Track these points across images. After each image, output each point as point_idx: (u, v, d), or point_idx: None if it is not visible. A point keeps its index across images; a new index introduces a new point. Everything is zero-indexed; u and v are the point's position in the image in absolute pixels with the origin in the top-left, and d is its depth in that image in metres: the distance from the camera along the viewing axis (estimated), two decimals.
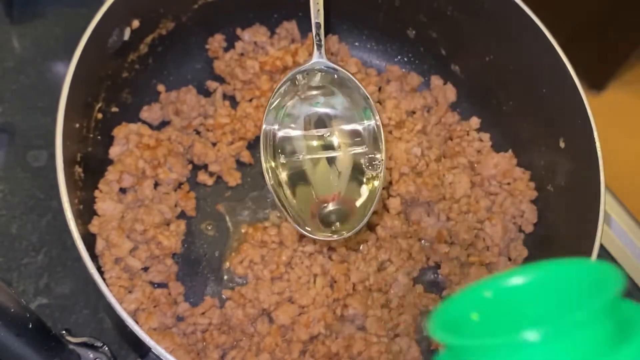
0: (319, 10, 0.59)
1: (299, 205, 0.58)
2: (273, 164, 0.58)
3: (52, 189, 0.54)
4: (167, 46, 0.68)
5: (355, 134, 0.60)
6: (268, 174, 0.58)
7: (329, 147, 0.60)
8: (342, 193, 0.59)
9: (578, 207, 0.61)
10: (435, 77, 0.75)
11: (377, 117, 0.59)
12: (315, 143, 0.60)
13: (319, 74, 0.60)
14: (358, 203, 0.59)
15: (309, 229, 0.57)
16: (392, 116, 0.70)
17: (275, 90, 0.59)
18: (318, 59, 0.60)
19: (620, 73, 1.38)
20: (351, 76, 0.60)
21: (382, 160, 0.59)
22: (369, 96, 0.59)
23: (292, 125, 0.60)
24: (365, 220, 0.57)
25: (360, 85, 0.59)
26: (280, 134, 0.59)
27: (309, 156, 0.60)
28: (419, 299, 0.64)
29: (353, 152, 0.60)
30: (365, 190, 0.59)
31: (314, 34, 0.58)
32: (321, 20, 0.58)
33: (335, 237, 0.58)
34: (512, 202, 0.67)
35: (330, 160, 0.60)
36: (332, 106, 0.61)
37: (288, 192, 0.58)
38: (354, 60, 0.74)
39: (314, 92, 0.61)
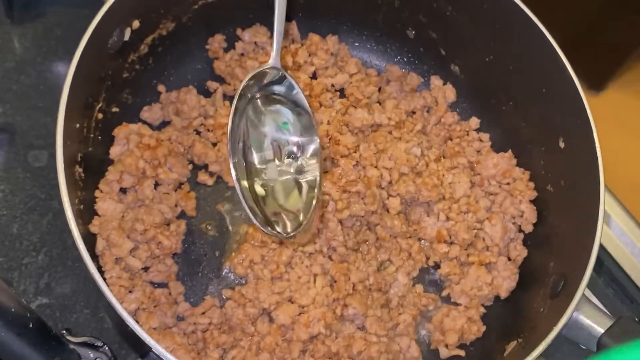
0: (278, 19, 0.59)
1: (267, 209, 0.57)
2: (246, 183, 0.57)
3: (53, 189, 0.54)
4: (168, 46, 0.68)
5: (313, 151, 0.60)
6: (235, 176, 0.56)
7: (297, 170, 0.60)
8: (301, 209, 0.58)
9: (578, 207, 0.61)
10: (435, 78, 0.75)
11: (317, 134, 0.58)
12: (284, 168, 0.60)
13: (275, 85, 0.59)
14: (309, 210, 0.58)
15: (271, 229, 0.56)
16: (392, 116, 0.70)
17: (236, 96, 0.56)
18: (274, 64, 0.59)
19: (620, 73, 1.39)
20: (297, 87, 0.58)
21: (319, 176, 0.58)
22: (309, 111, 0.58)
23: (261, 149, 0.59)
24: (306, 224, 0.56)
25: (304, 98, 0.59)
26: (251, 159, 0.58)
27: (278, 178, 0.59)
28: (419, 299, 0.65)
29: (312, 172, 0.59)
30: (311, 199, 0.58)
31: (274, 41, 0.58)
32: (282, 28, 0.58)
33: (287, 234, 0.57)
34: (512, 202, 0.67)
35: (295, 179, 0.60)
36: (292, 124, 0.60)
37: (258, 198, 0.58)
38: (354, 60, 0.74)
39: (275, 106, 0.60)
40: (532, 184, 0.68)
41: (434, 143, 0.71)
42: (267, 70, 0.59)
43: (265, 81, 0.59)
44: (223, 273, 0.63)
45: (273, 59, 0.59)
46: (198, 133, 0.68)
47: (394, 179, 0.67)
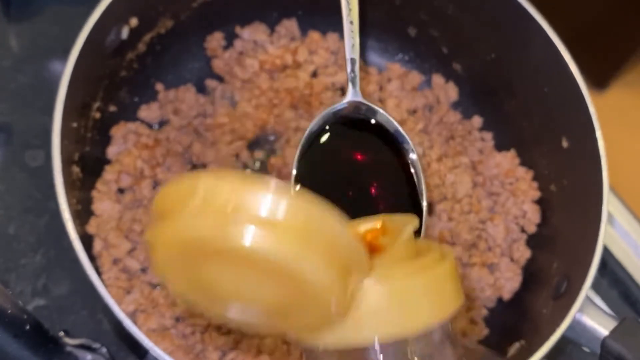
0: (354, 45, 0.51)
1: None
2: None
3: (50, 189, 0.53)
4: (166, 45, 0.67)
5: None
6: None
7: None
8: None
9: (581, 207, 0.61)
10: (437, 76, 0.74)
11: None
12: None
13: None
14: None
15: None
16: (393, 115, 0.69)
17: (307, 132, 0.52)
18: (353, 97, 0.53)
19: (624, 72, 1.38)
20: (391, 119, 0.53)
21: None
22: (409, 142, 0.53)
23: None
24: None
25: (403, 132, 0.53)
26: None
27: None
28: None
29: None
30: None
31: (348, 70, 0.50)
32: (357, 56, 0.51)
33: None
34: (515, 202, 0.67)
35: None
36: None
37: None
38: None
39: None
40: (535, 184, 0.67)
41: (436, 142, 0.71)
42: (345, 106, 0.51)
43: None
44: None
45: (352, 93, 0.52)
46: (197, 132, 0.68)
47: None
